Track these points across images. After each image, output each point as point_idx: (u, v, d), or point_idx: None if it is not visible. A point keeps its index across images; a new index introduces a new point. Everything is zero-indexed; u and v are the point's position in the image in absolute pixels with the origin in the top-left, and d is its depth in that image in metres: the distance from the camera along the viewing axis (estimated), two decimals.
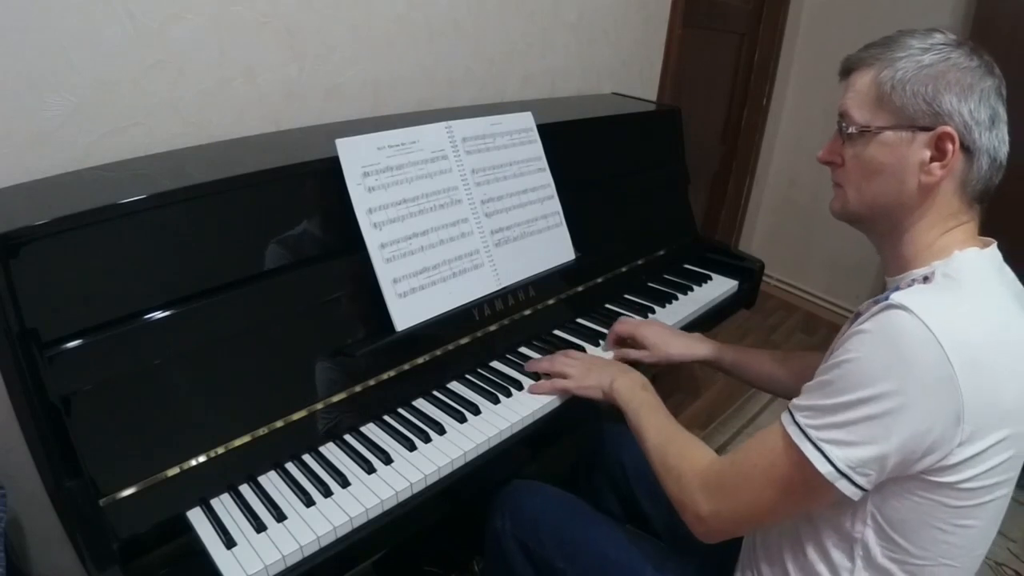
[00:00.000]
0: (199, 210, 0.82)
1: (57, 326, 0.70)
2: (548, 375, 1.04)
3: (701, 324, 1.37)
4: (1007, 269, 0.73)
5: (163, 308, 0.77)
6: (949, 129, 0.66)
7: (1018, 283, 0.73)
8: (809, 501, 0.69)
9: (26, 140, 0.89)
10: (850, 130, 0.73)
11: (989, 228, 0.74)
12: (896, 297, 0.62)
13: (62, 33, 0.88)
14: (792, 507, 0.71)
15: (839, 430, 0.63)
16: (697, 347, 1.10)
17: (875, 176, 0.72)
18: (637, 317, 1.27)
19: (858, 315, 0.72)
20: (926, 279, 0.68)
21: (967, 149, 0.68)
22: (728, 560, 0.89)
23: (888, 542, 0.67)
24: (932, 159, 0.68)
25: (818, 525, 0.72)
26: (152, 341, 0.76)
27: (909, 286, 0.68)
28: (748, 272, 1.51)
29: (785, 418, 0.69)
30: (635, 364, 1.07)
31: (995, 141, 0.69)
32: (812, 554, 0.73)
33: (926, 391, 0.60)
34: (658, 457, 0.83)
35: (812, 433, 0.65)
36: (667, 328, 1.12)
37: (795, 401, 0.69)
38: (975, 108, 0.67)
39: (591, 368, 1.02)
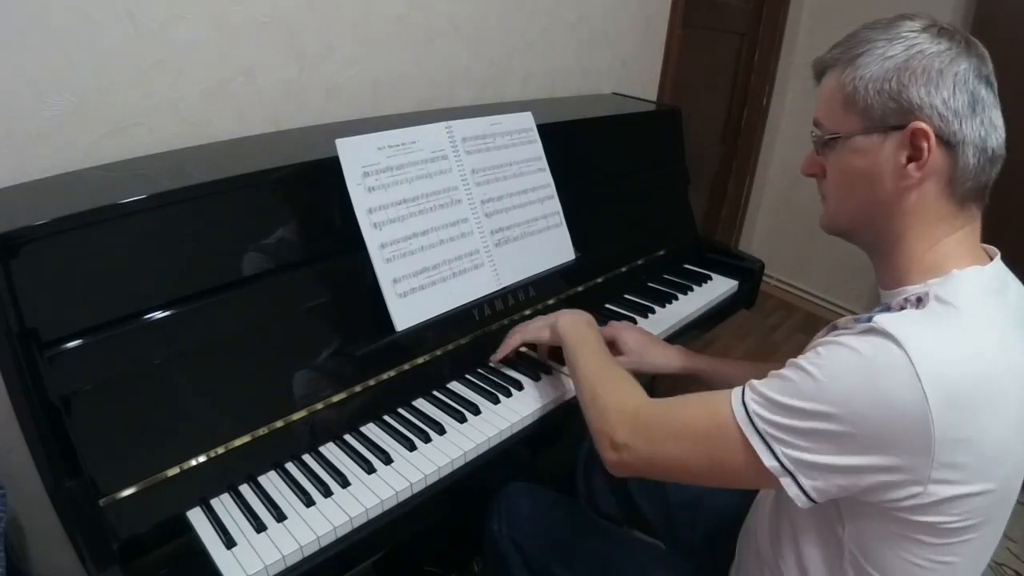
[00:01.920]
0: (199, 210, 0.82)
1: (57, 326, 0.70)
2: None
3: (701, 324, 1.37)
4: (1012, 286, 0.66)
5: (163, 308, 0.77)
6: (921, 124, 0.60)
7: (1019, 302, 0.65)
8: (741, 483, 0.66)
9: (26, 140, 0.89)
10: (822, 139, 0.69)
11: (984, 226, 0.68)
12: (883, 322, 0.57)
13: (62, 33, 0.88)
14: (719, 479, 0.68)
15: (788, 432, 0.60)
16: (674, 358, 1.05)
17: (853, 185, 0.67)
18: (637, 317, 1.27)
19: (835, 326, 0.69)
20: (920, 300, 0.61)
21: (947, 143, 0.61)
22: (726, 563, 0.89)
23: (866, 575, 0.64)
24: (909, 159, 0.62)
25: (800, 554, 0.70)
26: (152, 341, 0.76)
27: (901, 307, 0.62)
28: (748, 272, 1.51)
29: (736, 395, 0.64)
30: None
31: (981, 129, 0.61)
32: None
33: (893, 428, 0.55)
34: (587, 388, 0.81)
35: (760, 424, 0.61)
36: (649, 336, 1.08)
37: (753, 382, 0.64)
38: (949, 96, 0.60)
39: (537, 319, 1.04)
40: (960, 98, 0.60)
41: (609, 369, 0.84)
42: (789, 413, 0.60)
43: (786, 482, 0.60)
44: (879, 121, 0.63)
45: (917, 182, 0.63)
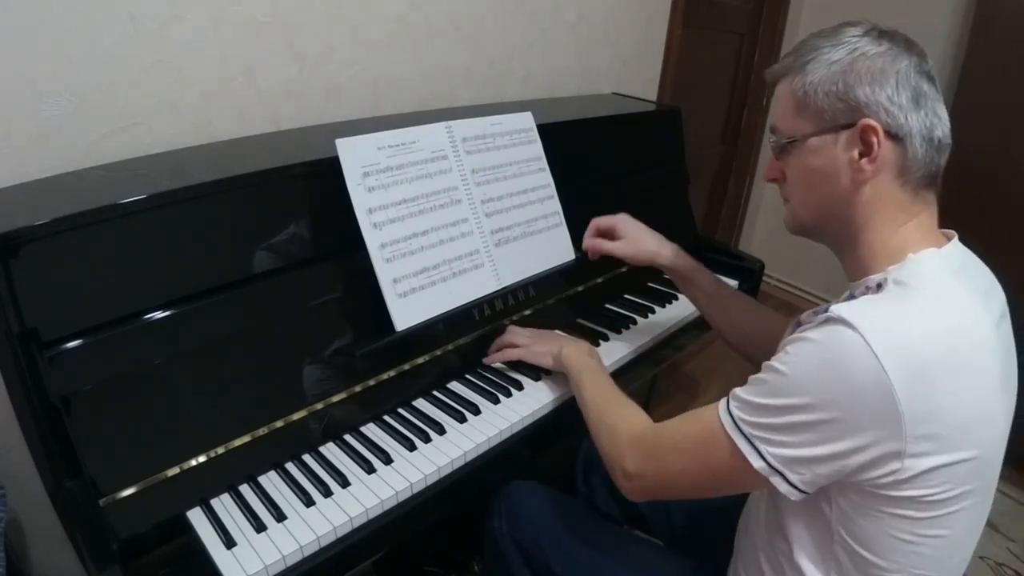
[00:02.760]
0: (199, 210, 0.82)
1: (57, 326, 0.70)
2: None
3: (701, 324, 1.37)
4: (972, 265, 0.70)
5: (163, 308, 0.77)
6: (869, 121, 0.65)
7: (982, 280, 0.70)
8: (739, 486, 0.71)
9: (26, 140, 0.89)
10: (780, 143, 0.73)
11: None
12: (837, 310, 0.60)
13: (62, 33, 0.88)
14: (719, 487, 0.72)
15: (770, 431, 0.63)
16: (667, 248, 1.08)
17: (813, 184, 0.71)
18: (637, 317, 1.27)
19: (799, 323, 0.72)
20: (879, 286, 0.65)
21: (895, 136, 0.65)
22: (724, 561, 0.89)
23: (857, 558, 0.66)
24: (861, 155, 0.66)
25: (792, 542, 0.71)
26: (152, 341, 0.76)
27: (863, 295, 0.66)
28: (748, 272, 1.51)
29: (722, 405, 0.68)
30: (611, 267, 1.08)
31: (926, 120, 0.65)
32: (788, 572, 0.72)
33: (861, 409, 0.58)
34: (595, 414, 0.85)
35: (745, 428, 0.64)
36: (646, 228, 1.11)
37: (735, 391, 0.68)
38: (893, 92, 0.64)
39: (541, 337, 1.07)
40: (904, 93, 0.65)
41: (613, 396, 0.88)
42: (768, 412, 0.63)
43: (776, 480, 0.64)
44: (830, 121, 0.68)
45: (871, 175, 0.67)
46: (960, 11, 2.16)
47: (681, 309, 1.34)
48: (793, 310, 2.90)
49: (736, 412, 0.66)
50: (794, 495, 0.64)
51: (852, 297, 0.67)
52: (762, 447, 0.63)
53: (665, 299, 1.36)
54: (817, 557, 0.69)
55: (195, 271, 0.80)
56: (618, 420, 0.82)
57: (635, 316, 1.28)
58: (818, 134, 0.69)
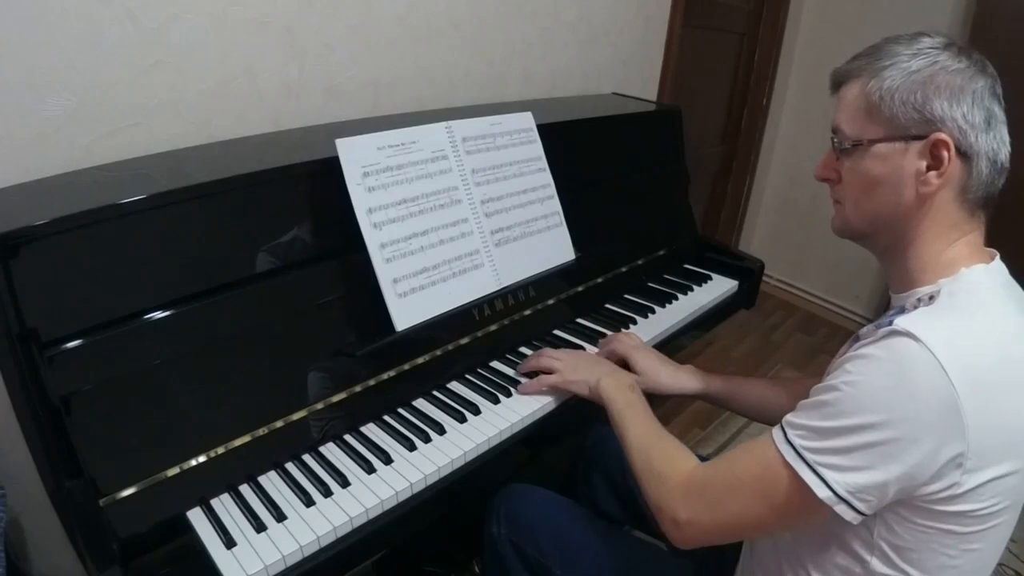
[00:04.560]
0: (199, 210, 0.82)
1: (57, 326, 0.70)
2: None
3: (701, 324, 1.37)
4: (1013, 282, 0.70)
5: (163, 308, 0.77)
6: (943, 136, 0.64)
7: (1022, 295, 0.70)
8: (801, 520, 0.67)
9: (26, 140, 0.89)
10: (843, 145, 0.71)
11: (992, 238, 0.71)
12: (901, 323, 0.60)
13: (62, 33, 0.88)
14: (782, 524, 0.69)
15: (837, 455, 0.61)
16: (686, 381, 1.05)
17: (872, 190, 0.70)
18: (638, 317, 1.27)
19: (857, 337, 0.71)
20: (931, 298, 0.65)
21: (964, 154, 0.65)
22: (726, 564, 0.89)
23: (895, 570, 0.66)
24: (928, 168, 0.66)
25: (822, 550, 0.70)
26: (152, 341, 0.76)
27: (915, 307, 0.65)
28: (748, 272, 1.51)
29: (778, 435, 0.66)
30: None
31: (994, 143, 0.66)
32: None
33: (930, 421, 0.58)
34: (640, 459, 0.81)
35: (809, 456, 0.62)
36: (660, 358, 1.08)
37: (789, 418, 0.66)
38: (968, 111, 0.64)
39: (578, 364, 1.01)
40: (978, 113, 0.65)
41: (658, 439, 0.83)
42: (834, 435, 0.61)
43: (841, 509, 0.61)
44: (902, 130, 0.67)
45: (934, 189, 0.66)
46: (960, 11, 2.16)
47: (681, 309, 1.34)
48: (793, 310, 2.92)
49: (798, 441, 0.63)
50: (857, 520, 0.62)
51: (904, 310, 0.66)
52: (826, 474, 0.61)
53: (665, 299, 1.36)
54: (848, 565, 0.68)
55: (195, 271, 0.80)
56: (666, 466, 0.77)
57: (635, 316, 1.28)
58: (887, 141, 0.68)
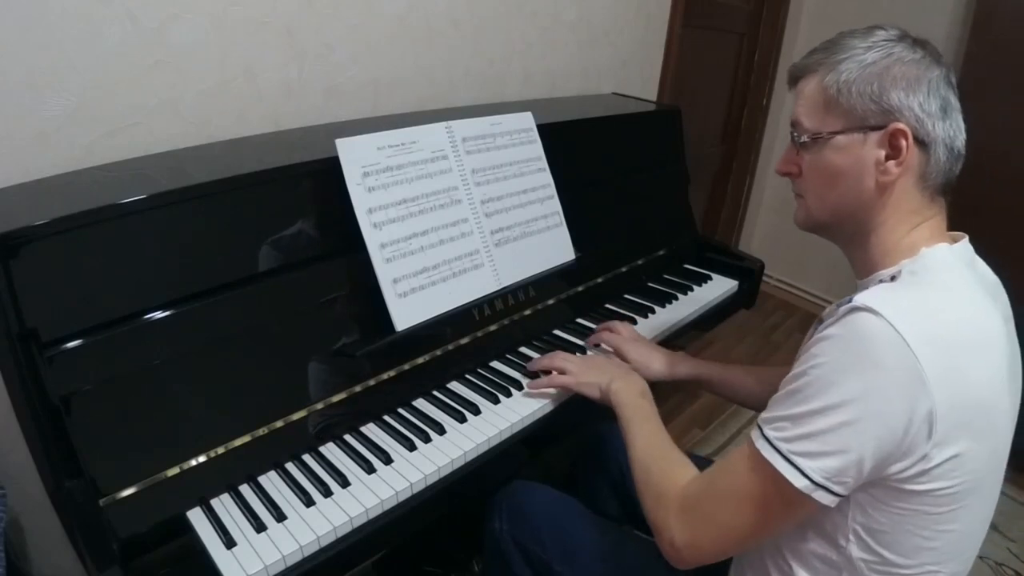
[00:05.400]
0: (199, 210, 0.82)
1: (57, 326, 0.70)
2: (547, 373, 1.04)
3: (701, 324, 1.37)
4: (979, 263, 0.72)
5: (163, 308, 0.77)
6: (901, 125, 0.66)
7: (990, 278, 0.72)
8: (789, 516, 0.66)
9: (26, 140, 0.89)
10: (803, 139, 0.72)
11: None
12: (859, 299, 0.61)
13: (62, 33, 0.88)
14: (773, 525, 0.68)
15: (810, 440, 0.61)
16: (679, 366, 1.07)
17: (834, 181, 0.71)
18: (638, 317, 1.27)
19: (820, 320, 0.71)
20: (893, 278, 0.67)
21: (921, 143, 0.67)
22: (724, 563, 0.89)
23: (872, 555, 0.66)
24: (887, 157, 0.67)
25: (799, 538, 0.70)
26: (152, 341, 0.76)
27: (877, 287, 0.67)
28: (748, 272, 1.51)
29: (754, 434, 0.67)
30: None
31: (950, 130, 0.67)
32: (799, 571, 0.71)
33: (896, 391, 0.58)
34: (641, 472, 0.81)
35: (783, 447, 0.62)
36: (651, 346, 1.10)
37: (762, 415, 0.67)
38: (925, 100, 0.66)
39: (591, 366, 1.01)
40: (934, 102, 0.66)
41: (661, 453, 0.83)
42: (807, 419, 0.62)
43: (819, 495, 0.62)
44: (860, 121, 0.68)
45: (894, 178, 0.68)
46: (960, 11, 2.16)
47: (681, 309, 1.34)
48: (793, 310, 2.92)
49: (771, 434, 0.64)
50: (835, 502, 0.63)
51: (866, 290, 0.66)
52: (801, 462, 0.61)
53: (665, 299, 1.36)
54: (828, 555, 0.69)
55: (195, 271, 0.80)
56: (664, 484, 0.76)
57: (635, 316, 1.28)
58: (846, 132, 0.69)
